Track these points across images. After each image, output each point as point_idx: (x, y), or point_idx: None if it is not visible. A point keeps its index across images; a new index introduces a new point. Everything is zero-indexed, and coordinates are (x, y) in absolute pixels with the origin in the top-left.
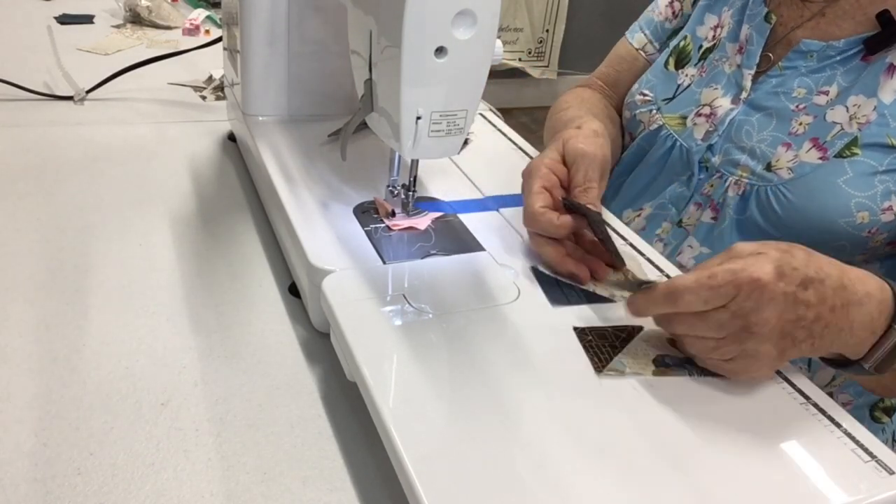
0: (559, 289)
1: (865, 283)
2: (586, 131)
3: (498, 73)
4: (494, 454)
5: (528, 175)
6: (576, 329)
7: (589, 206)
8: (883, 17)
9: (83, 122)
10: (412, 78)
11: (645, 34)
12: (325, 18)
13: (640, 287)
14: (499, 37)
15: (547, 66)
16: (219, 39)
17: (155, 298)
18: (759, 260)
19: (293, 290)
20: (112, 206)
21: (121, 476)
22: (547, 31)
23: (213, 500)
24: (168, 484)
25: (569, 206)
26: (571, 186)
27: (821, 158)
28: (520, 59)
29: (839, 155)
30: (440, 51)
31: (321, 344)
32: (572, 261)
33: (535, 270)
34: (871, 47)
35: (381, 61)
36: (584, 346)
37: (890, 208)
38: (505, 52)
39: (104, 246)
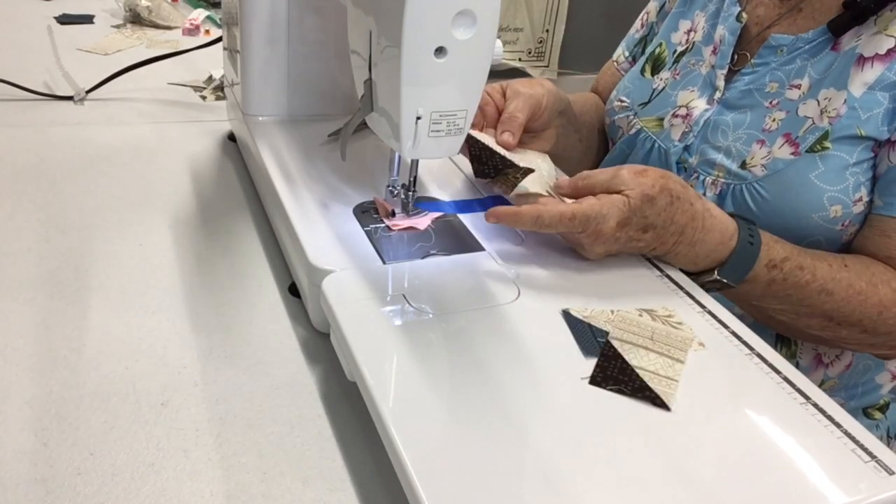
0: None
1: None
2: (534, 80)
3: (498, 73)
4: (494, 454)
5: None
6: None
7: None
8: (849, 1)
9: (83, 122)
10: (412, 78)
11: (622, 48)
12: (325, 18)
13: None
14: (499, 37)
15: (547, 66)
16: (219, 39)
17: (155, 298)
18: (613, 209)
19: (293, 290)
20: (112, 206)
21: (121, 476)
22: (547, 31)
23: (213, 500)
24: (168, 484)
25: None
26: (502, 114)
27: (793, 154)
28: (520, 59)
29: (811, 150)
30: (440, 51)
31: (321, 344)
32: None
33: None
34: (836, 30)
35: (381, 61)
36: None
37: (861, 199)
38: (505, 52)
39: (104, 246)
